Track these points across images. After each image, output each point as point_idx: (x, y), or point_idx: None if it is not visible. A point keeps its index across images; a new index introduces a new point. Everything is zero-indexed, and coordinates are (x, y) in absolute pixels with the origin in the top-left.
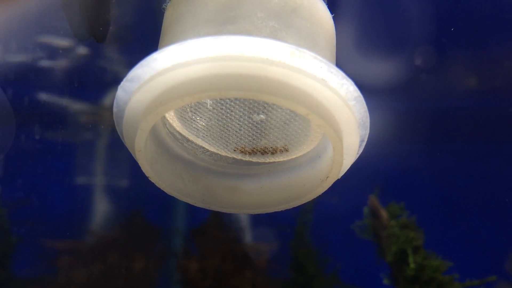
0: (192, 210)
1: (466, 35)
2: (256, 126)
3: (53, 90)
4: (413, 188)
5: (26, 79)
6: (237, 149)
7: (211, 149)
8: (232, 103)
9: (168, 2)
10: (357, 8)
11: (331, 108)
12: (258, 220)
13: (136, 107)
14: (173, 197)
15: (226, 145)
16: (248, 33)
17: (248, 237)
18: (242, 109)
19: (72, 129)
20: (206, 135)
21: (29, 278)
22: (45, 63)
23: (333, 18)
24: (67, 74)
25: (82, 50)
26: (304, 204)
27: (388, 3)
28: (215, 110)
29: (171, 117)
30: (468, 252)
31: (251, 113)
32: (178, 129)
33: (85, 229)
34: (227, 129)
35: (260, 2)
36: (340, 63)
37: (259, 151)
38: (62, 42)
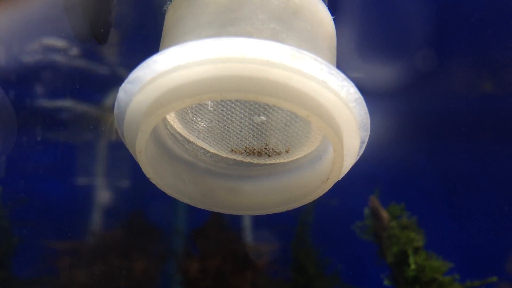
0: (193, 211)
1: (466, 38)
2: (257, 128)
3: (55, 92)
4: (413, 189)
5: (27, 81)
6: (237, 150)
7: (212, 150)
8: (233, 105)
9: (169, 4)
10: (358, 10)
11: (332, 110)
12: (259, 221)
13: (137, 108)
14: (173, 198)
15: (227, 146)
16: (249, 35)
17: (248, 237)
18: (243, 111)
19: (73, 130)
20: (207, 137)
21: (30, 279)
22: (46, 64)
23: (334, 20)
24: (68, 76)
25: (83, 52)
26: (305, 205)
27: (389, 5)
28: (216, 112)
29: (172, 118)
30: (469, 253)
31: (252, 115)
32: (179, 130)
33: (86, 229)
34: (228, 131)
35: (260, 4)
36: (341, 65)
37: (260, 153)
38: (63, 43)
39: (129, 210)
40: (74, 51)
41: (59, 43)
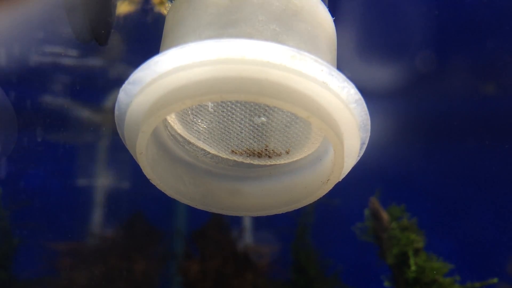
0: (193, 212)
1: (466, 40)
2: (257, 129)
3: (55, 93)
4: (414, 190)
5: (28, 82)
6: (238, 151)
7: (212, 151)
8: (233, 106)
9: (170, 5)
10: (358, 11)
11: (332, 111)
12: (259, 222)
13: (138, 109)
14: (174, 199)
15: (227, 147)
16: (249, 36)
17: (249, 239)
18: (243, 112)
19: (74, 131)
20: (207, 138)
21: (30, 280)
22: (47, 66)
23: (334, 21)
24: (69, 77)
25: (84, 53)
26: (305, 206)
27: (389, 6)
28: (216, 113)
29: (173, 119)
30: (469, 254)
31: (252, 116)
32: (179, 131)
33: (86, 231)
34: (228, 132)
35: (261, 5)
36: (341, 66)
37: (260, 154)
38: (64, 45)
39: (130, 211)
40: (75, 52)
41: (60, 44)
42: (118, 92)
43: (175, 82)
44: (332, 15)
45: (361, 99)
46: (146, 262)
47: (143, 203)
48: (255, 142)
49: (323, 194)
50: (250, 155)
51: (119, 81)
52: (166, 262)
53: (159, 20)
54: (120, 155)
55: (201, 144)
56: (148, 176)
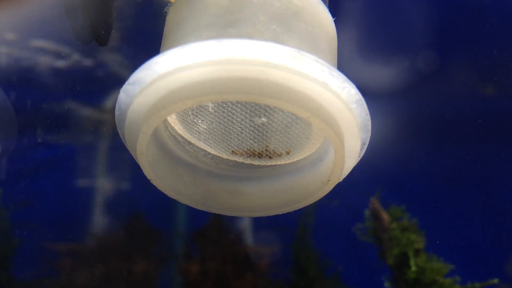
0: (193, 213)
1: (468, 40)
2: (257, 129)
3: (56, 93)
4: (414, 190)
5: (28, 83)
6: (238, 152)
7: (213, 152)
8: (234, 106)
9: (170, 6)
10: (359, 11)
11: (333, 111)
12: (259, 222)
13: (138, 110)
14: (174, 200)
15: (228, 148)
16: (250, 36)
17: (249, 239)
18: (243, 112)
19: (74, 132)
20: (208, 138)
21: (30, 281)
22: (47, 66)
23: (335, 21)
24: (69, 78)
25: (84, 54)
26: (306, 206)
27: (390, 7)
28: (216, 113)
29: (173, 120)
30: (469, 255)
31: (253, 116)
32: (179, 132)
33: (87, 231)
34: (228, 132)
35: (261, 5)
36: (342, 67)
37: (260, 154)
38: (64, 45)
39: (130, 212)
40: (75, 53)
41: (60, 45)
42: (118, 93)
43: (175, 82)
44: (333, 15)
45: (361, 99)
46: (146, 263)
47: (143, 204)
48: (255, 142)
49: (324, 194)
50: (250, 155)
51: (120, 82)
52: (166, 262)
53: (160, 21)
54: (121, 155)
55: (201, 145)
56: (149, 177)
